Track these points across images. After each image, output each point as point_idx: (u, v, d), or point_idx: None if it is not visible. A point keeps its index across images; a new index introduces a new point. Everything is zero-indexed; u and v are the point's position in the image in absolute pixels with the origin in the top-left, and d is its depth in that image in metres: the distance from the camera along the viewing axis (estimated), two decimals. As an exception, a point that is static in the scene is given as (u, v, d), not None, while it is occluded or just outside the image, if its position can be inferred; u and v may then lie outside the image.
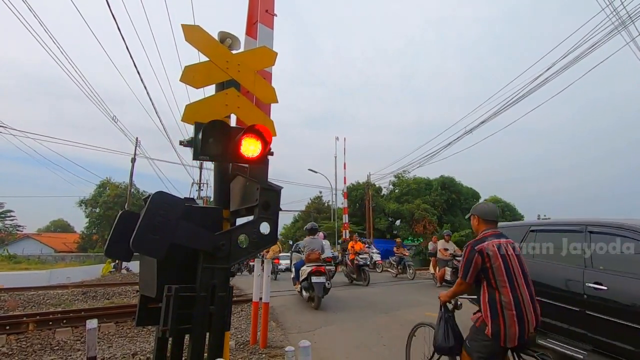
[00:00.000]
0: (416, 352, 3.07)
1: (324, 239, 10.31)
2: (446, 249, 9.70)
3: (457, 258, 9.19)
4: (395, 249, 13.99)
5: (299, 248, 8.86)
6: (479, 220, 2.49)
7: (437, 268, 10.00)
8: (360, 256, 11.28)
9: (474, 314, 2.36)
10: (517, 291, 2.16)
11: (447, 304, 2.68)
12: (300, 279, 7.42)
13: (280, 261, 17.02)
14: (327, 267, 7.72)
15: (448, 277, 9.30)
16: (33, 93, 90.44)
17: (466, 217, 3.22)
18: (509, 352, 2.25)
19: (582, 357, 3.10)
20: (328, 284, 7.20)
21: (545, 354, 2.16)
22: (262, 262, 5.08)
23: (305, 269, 7.22)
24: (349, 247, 12.23)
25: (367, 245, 14.61)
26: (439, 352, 2.65)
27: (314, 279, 6.91)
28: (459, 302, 2.68)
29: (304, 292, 7.45)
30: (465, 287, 2.42)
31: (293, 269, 8.40)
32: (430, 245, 11.63)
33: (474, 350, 2.26)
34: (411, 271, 12.38)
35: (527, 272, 2.29)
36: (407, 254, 13.88)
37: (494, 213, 2.47)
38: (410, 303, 7.50)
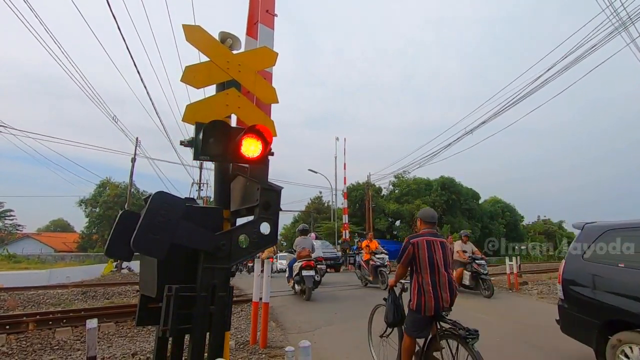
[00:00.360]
0: (376, 328, 3.76)
1: (315, 239, 10.96)
2: (464, 251, 8.87)
3: (477, 261, 8.42)
4: None
5: (293, 248, 9.47)
6: (421, 221, 3.17)
7: (454, 270, 9.38)
8: (377, 256, 10.00)
9: (409, 300, 2.97)
10: (436, 276, 2.85)
11: (395, 288, 3.34)
12: (293, 274, 8.17)
13: (281, 261, 17.07)
14: (319, 266, 8.39)
15: (467, 281, 8.50)
16: (33, 93, 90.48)
17: (414, 217, 3.76)
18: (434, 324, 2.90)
19: None
20: (317, 276, 8.00)
21: (457, 322, 2.69)
22: (262, 262, 5.08)
23: (297, 265, 7.98)
24: (363, 246, 11.16)
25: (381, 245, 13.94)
26: (389, 326, 3.41)
27: (304, 272, 7.69)
28: (405, 286, 3.24)
29: (296, 286, 8.18)
30: (402, 270, 3.12)
31: (287, 268, 9.06)
32: None
33: (409, 329, 2.96)
34: None
35: (450, 263, 2.99)
36: None
37: (432, 217, 3.16)
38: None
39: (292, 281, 8.34)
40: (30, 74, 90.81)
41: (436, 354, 2.83)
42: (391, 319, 3.27)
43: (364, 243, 11.13)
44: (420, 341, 3.01)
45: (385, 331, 3.56)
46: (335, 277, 13.30)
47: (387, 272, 10.02)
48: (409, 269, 3.04)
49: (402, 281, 3.29)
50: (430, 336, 2.91)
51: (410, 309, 2.93)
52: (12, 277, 15.48)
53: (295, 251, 8.70)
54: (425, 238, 2.97)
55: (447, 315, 2.87)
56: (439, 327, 2.85)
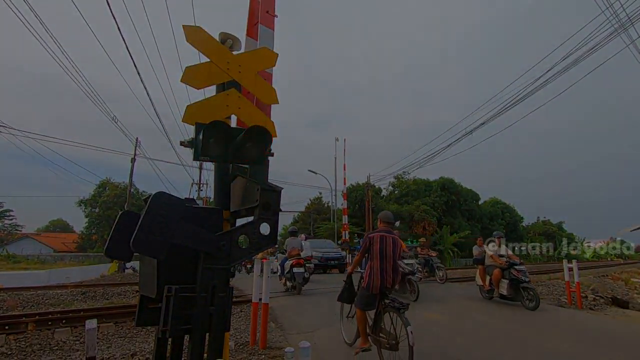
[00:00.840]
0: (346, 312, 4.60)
1: (304, 240, 12.03)
2: (501, 255, 7.38)
3: (516, 267, 6.96)
4: (419, 249, 11.82)
5: (284, 248, 10.32)
6: (380, 221, 4.03)
7: (487, 277, 7.62)
8: (405, 261, 8.18)
9: (361, 279, 3.84)
10: (384, 264, 3.68)
11: (352, 275, 4.22)
12: (285, 272, 8.91)
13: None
14: (307, 265, 9.12)
15: (504, 291, 7.03)
16: (33, 92, 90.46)
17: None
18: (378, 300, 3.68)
19: None
20: (307, 273, 8.77)
21: (395, 298, 3.55)
22: (262, 263, 5.07)
23: (288, 263, 8.76)
24: None
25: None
26: (338, 300, 4.34)
27: (295, 270, 8.42)
28: (362, 275, 3.92)
29: (287, 283, 8.85)
30: (359, 257, 4.09)
31: (279, 267, 9.78)
32: (475, 250, 8.89)
33: (359, 302, 3.81)
34: (441, 274, 10.63)
35: (398, 255, 3.81)
36: (434, 254, 11.59)
37: (388, 217, 4.04)
38: (415, 305, 7.43)
39: (284, 279, 9.05)
40: (30, 73, 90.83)
41: (382, 324, 3.64)
42: (340, 296, 4.26)
43: None
44: (372, 314, 3.79)
45: (350, 312, 4.46)
46: (337, 277, 13.26)
47: (419, 281, 8.48)
48: (366, 256, 3.85)
49: (359, 270, 4.17)
50: (378, 311, 3.71)
51: (362, 286, 3.81)
52: (11, 277, 15.47)
53: (286, 251, 9.43)
54: (380, 234, 3.81)
55: (389, 294, 3.70)
56: (383, 303, 3.65)
